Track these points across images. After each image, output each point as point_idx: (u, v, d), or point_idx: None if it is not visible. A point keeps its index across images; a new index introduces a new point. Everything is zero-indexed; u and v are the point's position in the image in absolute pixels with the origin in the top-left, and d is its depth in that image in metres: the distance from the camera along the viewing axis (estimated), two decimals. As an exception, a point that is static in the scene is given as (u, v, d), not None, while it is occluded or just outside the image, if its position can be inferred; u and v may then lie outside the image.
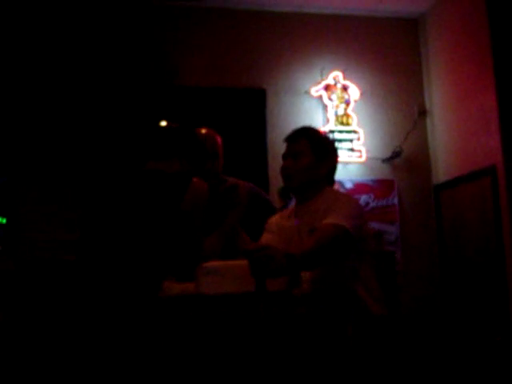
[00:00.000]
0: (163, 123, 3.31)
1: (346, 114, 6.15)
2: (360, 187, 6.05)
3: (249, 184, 3.50)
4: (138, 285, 2.57)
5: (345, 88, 6.20)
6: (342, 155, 5.92)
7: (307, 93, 6.17)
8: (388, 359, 2.51)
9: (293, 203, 5.33)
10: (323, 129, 6.03)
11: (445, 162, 6.18)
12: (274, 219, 2.99)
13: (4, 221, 5.34)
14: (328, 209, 2.58)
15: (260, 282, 2.13)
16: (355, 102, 6.22)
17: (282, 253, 2.25)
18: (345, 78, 6.21)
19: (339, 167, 3.08)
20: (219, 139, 3.48)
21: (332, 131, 6.02)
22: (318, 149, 2.83)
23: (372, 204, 6.05)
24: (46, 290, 4.10)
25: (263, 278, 2.15)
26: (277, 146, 5.97)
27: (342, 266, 2.57)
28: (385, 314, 2.61)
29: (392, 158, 6.18)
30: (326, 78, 6.19)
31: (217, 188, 3.12)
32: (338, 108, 6.15)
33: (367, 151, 6.13)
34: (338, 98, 6.15)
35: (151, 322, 2.39)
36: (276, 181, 5.71)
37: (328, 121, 6.11)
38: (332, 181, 2.93)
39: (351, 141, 6.07)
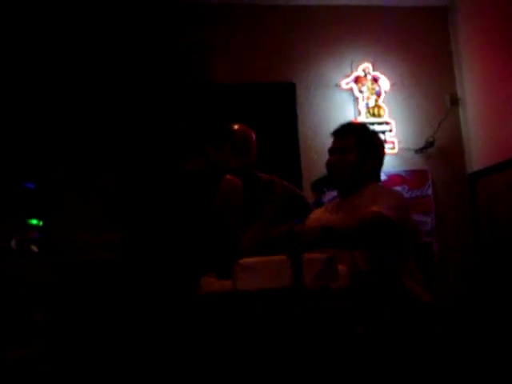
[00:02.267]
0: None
1: (378, 106, 6.11)
2: (394, 179, 6.01)
3: (282, 181, 3.50)
4: (177, 282, 2.58)
5: (375, 79, 6.16)
6: (375, 147, 5.89)
7: (337, 86, 6.15)
8: (438, 347, 2.52)
9: (327, 197, 5.35)
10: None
11: (478, 150, 6.11)
12: (315, 214, 3.01)
13: (41, 223, 5.41)
14: (372, 202, 2.58)
15: (295, 258, 2.13)
16: (386, 93, 6.18)
17: (319, 227, 2.33)
18: (374, 70, 6.17)
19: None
20: (253, 135, 3.48)
21: (364, 123, 5.99)
22: (363, 146, 2.84)
23: (406, 195, 6.00)
24: (86, 290, 4.15)
25: (297, 250, 2.15)
26: (308, 140, 6.00)
27: (384, 258, 2.56)
28: (433, 302, 2.62)
29: (425, 148, 6.13)
30: (356, 70, 6.16)
31: (250, 184, 3.13)
32: (368, 100, 6.12)
33: (399, 142, 6.09)
34: (369, 89, 6.12)
35: (189, 318, 2.40)
36: (308, 174, 5.72)
37: (359, 113, 6.08)
38: (378, 176, 2.94)
39: (383, 132, 6.02)
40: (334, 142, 2.94)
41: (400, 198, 2.73)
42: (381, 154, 2.93)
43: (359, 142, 2.84)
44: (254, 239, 2.86)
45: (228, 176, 2.77)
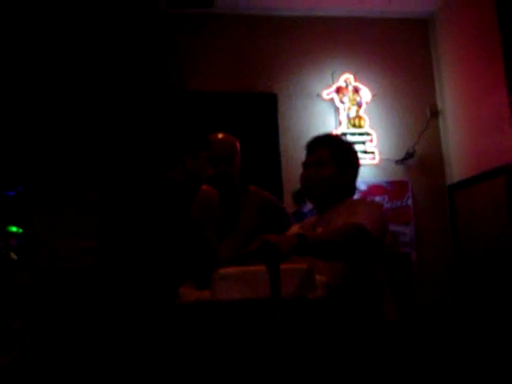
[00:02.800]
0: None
1: (358, 116, 6.15)
2: (374, 189, 6.05)
3: (262, 190, 3.49)
4: (154, 292, 2.58)
5: (356, 90, 6.20)
6: (355, 157, 5.92)
7: (319, 96, 6.19)
8: (401, 365, 2.51)
9: (307, 207, 5.36)
10: (335, 132, 6.04)
11: (458, 162, 6.16)
12: (293, 229, 2.97)
13: (20, 230, 5.38)
14: (350, 214, 2.53)
15: (273, 269, 2.13)
16: (367, 103, 6.22)
17: (294, 234, 2.28)
18: (356, 80, 6.21)
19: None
20: (237, 144, 3.47)
21: (344, 134, 6.03)
22: (339, 159, 2.76)
23: (386, 205, 6.04)
24: (65, 298, 4.13)
25: (276, 261, 2.14)
26: (289, 150, 6.02)
27: (360, 271, 2.55)
28: (397, 320, 2.59)
29: (405, 159, 6.18)
30: (337, 80, 6.20)
31: (229, 193, 3.14)
32: (349, 110, 6.16)
33: (380, 153, 6.13)
34: (350, 100, 6.16)
35: (167, 328, 2.40)
36: (289, 184, 5.75)
37: (340, 123, 6.11)
38: (353, 190, 2.86)
39: (364, 143, 6.07)
40: (308, 156, 2.84)
41: (378, 210, 2.68)
42: (356, 166, 2.85)
43: (335, 155, 2.75)
44: (230, 249, 2.85)
45: (204, 186, 2.77)
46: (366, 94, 6.21)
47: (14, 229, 5.41)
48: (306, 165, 2.84)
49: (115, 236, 2.84)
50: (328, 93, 6.18)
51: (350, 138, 6.01)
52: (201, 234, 2.68)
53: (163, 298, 2.49)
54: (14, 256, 5.27)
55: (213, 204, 2.76)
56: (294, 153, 5.97)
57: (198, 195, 2.72)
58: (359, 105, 6.20)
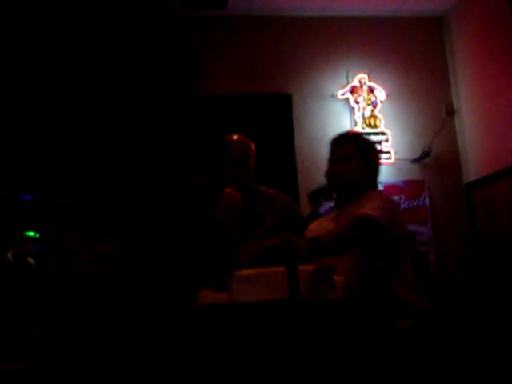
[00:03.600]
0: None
1: (374, 116, 6.13)
2: (390, 189, 6.01)
3: (282, 194, 3.48)
4: (174, 295, 2.57)
5: (371, 90, 6.18)
6: (371, 157, 5.90)
7: (333, 96, 6.16)
8: (432, 354, 2.51)
9: (323, 208, 5.34)
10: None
11: (475, 160, 6.12)
12: (315, 224, 3.01)
13: (37, 235, 5.40)
14: (361, 206, 2.58)
15: (292, 268, 2.12)
16: (382, 103, 6.19)
17: (307, 238, 2.32)
18: (370, 80, 6.19)
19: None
20: (252, 146, 3.46)
21: (360, 133, 6.00)
22: (364, 153, 2.84)
23: (403, 205, 6.01)
24: (83, 303, 4.13)
25: (294, 259, 2.14)
26: (304, 151, 6.00)
27: (377, 267, 2.56)
28: (425, 308, 2.61)
29: (421, 159, 6.14)
30: (352, 80, 6.18)
31: (249, 196, 3.12)
32: (364, 110, 6.13)
33: (396, 152, 6.09)
34: (365, 100, 6.14)
35: (185, 331, 2.39)
36: (305, 185, 5.73)
37: (355, 123, 6.09)
38: (375, 185, 2.93)
39: (379, 142, 6.04)
40: (335, 151, 2.90)
41: (386, 200, 2.73)
42: (379, 162, 2.94)
43: (360, 149, 2.83)
44: (253, 251, 2.84)
45: (228, 189, 2.76)
46: (380, 94, 6.18)
47: (31, 234, 5.43)
48: (332, 160, 2.91)
49: (136, 241, 2.83)
50: (343, 93, 6.15)
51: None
52: (222, 237, 2.67)
53: (183, 302, 2.48)
54: (31, 261, 5.29)
55: (236, 207, 2.75)
56: (309, 153, 5.96)
57: (221, 198, 2.71)
58: (374, 104, 6.17)
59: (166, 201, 2.84)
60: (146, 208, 2.91)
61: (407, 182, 6.12)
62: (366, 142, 2.97)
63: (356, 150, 2.83)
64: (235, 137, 3.43)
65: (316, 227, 2.98)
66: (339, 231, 2.47)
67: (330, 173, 2.89)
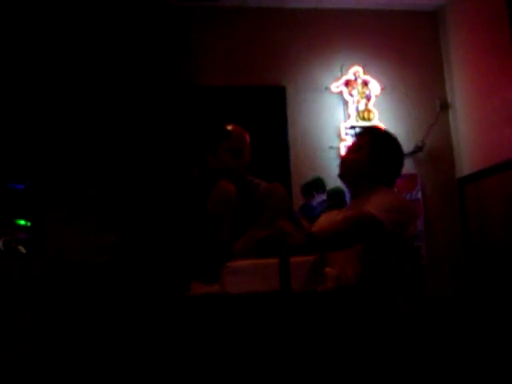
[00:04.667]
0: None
1: (367, 110, 6.12)
2: (383, 182, 6.01)
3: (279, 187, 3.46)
4: (165, 285, 2.57)
5: (365, 83, 6.18)
6: (364, 151, 5.90)
7: (327, 89, 6.16)
8: (410, 357, 2.50)
9: (316, 200, 5.34)
10: (344, 125, 6.02)
11: (468, 155, 6.13)
12: (326, 215, 3.02)
13: (29, 224, 5.38)
14: (368, 202, 2.56)
15: (283, 259, 2.12)
16: (376, 97, 6.19)
17: (303, 232, 2.32)
18: (365, 73, 6.18)
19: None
20: (247, 137, 3.44)
21: (353, 127, 6.00)
22: (376, 146, 2.82)
23: (395, 199, 6.01)
24: (75, 292, 4.12)
25: (285, 256, 2.14)
26: (298, 143, 6.00)
27: (377, 264, 2.54)
28: (408, 314, 2.59)
29: (414, 153, 6.14)
30: (346, 73, 6.17)
31: (243, 187, 3.10)
32: (358, 103, 6.13)
33: (389, 146, 6.09)
34: (359, 93, 6.13)
35: (177, 321, 2.39)
36: (298, 178, 5.73)
37: (349, 116, 6.08)
38: (391, 183, 2.91)
39: (373, 136, 6.03)
40: (352, 141, 2.96)
41: (396, 201, 2.69)
42: (395, 161, 2.90)
43: (373, 142, 2.82)
44: (248, 244, 2.82)
45: (222, 182, 2.75)
46: (375, 87, 6.18)
47: (22, 222, 5.41)
48: (347, 148, 2.99)
49: (130, 231, 2.84)
50: (337, 86, 6.15)
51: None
52: (214, 229, 2.66)
53: (174, 292, 2.48)
54: (22, 249, 5.27)
55: (229, 199, 2.74)
56: (303, 146, 5.96)
57: (214, 190, 2.70)
58: (368, 98, 6.17)
59: (160, 191, 2.84)
60: (141, 198, 2.91)
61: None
62: (383, 136, 2.94)
63: (368, 142, 2.83)
64: (230, 127, 3.41)
65: (325, 218, 2.99)
66: (335, 228, 2.45)
67: (340, 161, 2.93)
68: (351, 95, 6.13)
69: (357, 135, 2.97)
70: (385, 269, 2.53)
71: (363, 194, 2.74)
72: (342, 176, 2.90)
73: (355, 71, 6.17)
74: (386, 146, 2.87)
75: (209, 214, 2.67)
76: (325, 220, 2.96)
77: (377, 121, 6.08)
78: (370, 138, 2.85)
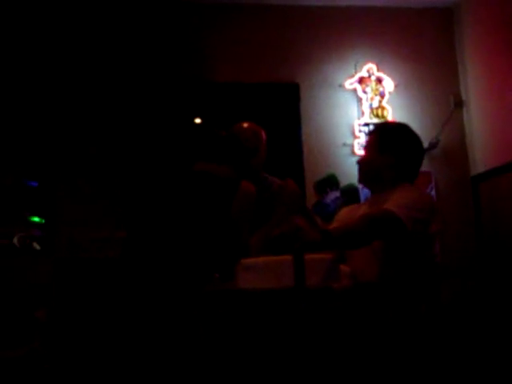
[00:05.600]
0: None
1: (381, 107, 6.10)
2: (396, 180, 5.99)
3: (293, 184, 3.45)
4: (181, 283, 2.57)
5: (379, 80, 6.16)
6: (378, 148, 5.89)
7: (341, 86, 6.14)
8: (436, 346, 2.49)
9: (329, 197, 5.32)
10: (358, 122, 6.00)
11: (482, 152, 6.10)
12: (343, 211, 3.00)
13: (43, 221, 5.40)
14: (388, 199, 2.53)
15: (298, 256, 2.11)
16: (390, 94, 6.17)
17: (318, 229, 2.32)
18: (379, 71, 6.16)
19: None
20: (263, 134, 3.43)
21: (367, 124, 5.98)
22: (384, 141, 2.79)
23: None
24: (88, 288, 4.14)
25: (299, 252, 2.13)
26: (312, 140, 5.99)
27: (391, 261, 2.52)
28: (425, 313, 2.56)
29: (428, 150, 6.10)
30: (360, 70, 6.15)
31: (260, 185, 3.10)
32: (372, 101, 6.11)
33: (403, 143, 6.06)
34: (373, 90, 6.12)
35: (191, 317, 2.40)
36: (311, 175, 5.72)
37: (363, 114, 6.07)
38: (411, 176, 2.84)
39: (387, 133, 6.01)
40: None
41: (418, 198, 2.62)
42: (409, 151, 2.83)
43: (382, 139, 2.80)
44: (262, 241, 2.82)
45: (244, 183, 2.75)
46: (388, 84, 6.16)
47: (36, 219, 5.44)
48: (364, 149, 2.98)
49: (143, 228, 2.83)
50: (351, 83, 6.13)
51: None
52: (236, 229, 2.66)
53: (188, 289, 2.48)
54: (36, 246, 5.30)
55: (251, 200, 2.74)
56: (316, 143, 5.95)
57: (239, 192, 2.70)
58: (382, 95, 6.15)
59: (180, 189, 2.83)
60: (157, 196, 2.91)
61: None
62: (392, 130, 2.91)
63: (376, 139, 2.82)
64: (246, 125, 3.40)
65: (345, 212, 2.98)
66: (352, 226, 2.43)
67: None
68: (365, 92, 6.12)
69: (368, 134, 2.95)
70: (404, 267, 2.51)
71: (383, 191, 2.71)
72: (361, 181, 2.90)
73: (369, 68, 6.15)
74: (396, 137, 2.82)
75: (230, 215, 2.66)
76: (345, 214, 2.93)
77: (390, 118, 6.06)
78: (376, 135, 2.86)
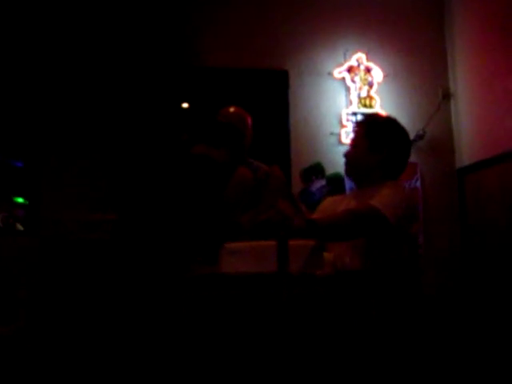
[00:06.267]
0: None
1: (369, 96, 6.10)
2: (382, 170, 6.00)
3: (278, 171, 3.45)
4: (165, 265, 2.57)
5: (368, 70, 6.15)
6: (365, 138, 5.89)
7: (330, 74, 6.13)
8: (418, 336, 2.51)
9: (315, 185, 5.33)
10: (346, 111, 6.00)
11: (469, 145, 6.12)
12: (327, 201, 3.00)
13: (26, 202, 5.38)
14: (373, 196, 2.52)
15: (282, 242, 2.12)
16: (378, 84, 6.16)
17: (303, 217, 2.33)
18: (368, 60, 6.16)
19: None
20: (249, 120, 3.42)
21: (355, 113, 5.98)
22: (371, 137, 2.76)
23: (394, 187, 6.00)
24: (72, 269, 4.13)
25: (284, 238, 2.13)
26: (299, 128, 5.98)
27: (372, 256, 2.52)
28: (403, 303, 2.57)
29: (415, 141, 6.11)
30: (349, 59, 6.14)
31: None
32: (360, 90, 6.10)
33: (390, 134, 6.07)
34: (361, 79, 6.11)
35: (173, 300, 2.40)
36: (298, 162, 5.73)
37: (351, 103, 6.06)
38: (395, 172, 2.83)
39: (374, 123, 6.01)
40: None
41: (401, 196, 2.61)
42: (397, 147, 2.81)
43: (369, 133, 2.77)
44: (250, 225, 2.82)
45: (240, 168, 2.75)
46: (377, 74, 6.15)
47: (20, 200, 5.41)
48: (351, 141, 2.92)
49: (135, 211, 2.83)
50: (339, 71, 6.12)
51: (360, 118, 5.97)
52: (227, 212, 2.67)
53: (172, 272, 2.48)
54: (19, 227, 5.28)
55: (246, 185, 2.74)
56: (304, 130, 5.94)
57: (235, 177, 2.70)
58: (370, 85, 6.14)
59: (175, 171, 2.83)
60: (151, 178, 2.90)
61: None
62: (379, 124, 2.87)
63: (363, 134, 2.79)
64: (232, 109, 3.39)
65: (327, 202, 2.97)
66: (337, 219, 2.44)
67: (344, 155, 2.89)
68: (353, 81, 6.11)
69: (354, 126, 2.91)
70: (384, 262, 2.52)
71: (368, 186, 2.71)
72: (347, 174, 2.90)
73: (358, 57, 6.14)
74: (385, 136, 2.79)
75: (223, 198, 2.67)
76: (328, 205, 2.93)
77: (378, 108, 6.06)
78: (365, 128, 2.82)
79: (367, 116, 2.93)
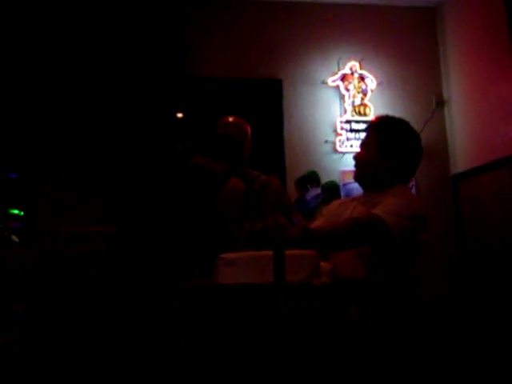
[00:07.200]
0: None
1: (363, 104, 6.11)
2: (377, 178, 6.00)
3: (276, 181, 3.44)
4: (163, 276, 2.57)
5: (362, 78, 6.17)
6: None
7: (324, 83, 6.14)
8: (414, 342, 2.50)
9: (310, 194, 5.33)
10: (340, 119, 6.00)
11: (463, 152, 6.13)
12: (333, 204, 2.96)
13: (22, 213, 5.37)
14: (380, 202, 2.50)
15: (278, 252, 2.11)
16: (372, 91, 6.18)
17: (300, 227, 2.29)
18: (362, 68, 6.17)
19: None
20: (248, 129, 3.41)
21: (349, 121, 5.99)
22: (384, 142, 2.71)
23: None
24: (67, 281, 4.12)
25: (280, 248, 2.12)
26: (294, 137, 5.99)
27: (375, 265, 2.51)
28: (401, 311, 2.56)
29: (410, 148, 6.12)
30: (343, 68, 6.16)
31: (245, 180, 3.09)
32: (355, 98, 6.12)
33: (384, 141, 6.07)
34: (355, 88, 6.13)
35: (171, 312, 2.39)
36: (293, 171, 5.73)
37: (345, 111, 6.08)
38: (408, 177, 2.82)
39: (368, 131, 6.02)
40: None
41: (410, 207, 2.56)
42: (409, 151, 2.77)
43: (381, 137, 2.72)
44: (246, 235, 2.80)
45: (232, 179, 2.74)
46: (371, 82, 6.17)
47: (15, 211, 5.40)
48: (360, 145, 2.86)
49: (133, 223, 2.82)
50: (333, 80, 6.13)
51: (354, 126, 5.98)
52: (220, 223, 2.66)
53: (169, 284, 2.48)
54: (15, 238, 5.27)
55: (237, 196, 2.73)
56: (298, 139, 5.95)
57: (225, 188, 2.69)
58: (364, 93, 6.16)
59: (166, 183, 2.83)
60: (147, 190, 2.90)
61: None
62: (392, 129, 2.79)
63: (374, 138, 2.74)
64: (231, 119, 3.38)
65: (331, 207, 2.95)
66: (336, 229, 2.42)
67: (353, 158, 2.84)
68: (347, 90, 6.12)
69: (366, 130, 2.85)
70: (387, 271, 2.50)
71: (377, 191, 2.68)
72: (356, 179, 2.82)
73: (352, 66, 6.16)
74: (397, 137, 2.75)
75: (216, 209, 2.66)
76: (334, 209, 2.87)
77: (372, 116, 6.07)
78: (377, 132, 2.76)
79: (379, 118, 2.84)
